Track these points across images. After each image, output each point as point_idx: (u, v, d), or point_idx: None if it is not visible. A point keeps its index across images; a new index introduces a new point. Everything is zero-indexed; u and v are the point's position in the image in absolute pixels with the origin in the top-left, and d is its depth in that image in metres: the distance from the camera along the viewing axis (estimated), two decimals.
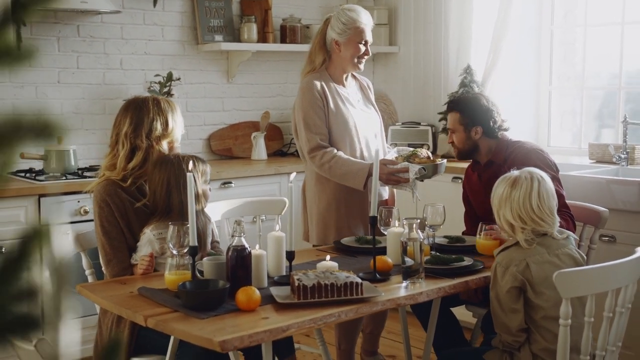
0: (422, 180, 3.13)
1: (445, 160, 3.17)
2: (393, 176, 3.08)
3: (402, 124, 5.03)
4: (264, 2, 4.89)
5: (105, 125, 4.20)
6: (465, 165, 3.41)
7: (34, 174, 3.86)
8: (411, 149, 3.24)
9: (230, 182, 4.25)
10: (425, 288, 2.41)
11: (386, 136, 4.02)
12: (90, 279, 2.77)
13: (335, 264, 2.45)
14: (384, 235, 2.83)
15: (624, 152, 4.09)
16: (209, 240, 2.73)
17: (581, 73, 4.71)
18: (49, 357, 1.59)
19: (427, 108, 5.10)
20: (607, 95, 4.68)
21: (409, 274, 2.42)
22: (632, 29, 4.42)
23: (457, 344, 3.08)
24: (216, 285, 2.25)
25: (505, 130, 3.11)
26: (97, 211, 2.62)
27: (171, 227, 2.36)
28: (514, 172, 2.49)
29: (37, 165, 3.96)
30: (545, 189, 2.43)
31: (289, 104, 4.79)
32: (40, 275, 0.63)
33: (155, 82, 4.45)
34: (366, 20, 3.24)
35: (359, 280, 2.25)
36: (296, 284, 2.20)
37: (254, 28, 4.78)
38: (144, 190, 2.69)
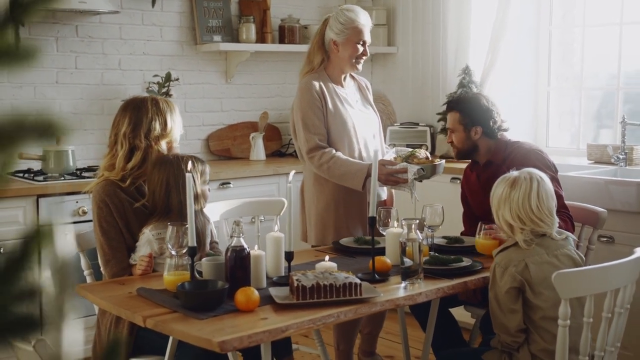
0: (421, 181, 3.13)
1: (443, 161, 3.17)
2: (392, 177, 3.08)
3: (401, 124, 5.03)
4: (263, 3, 4.89)
5: (104, 126, 4.19)
6: (463, 165, 3.41)
7: (32, 175, 3.85)
8: (409, 149, 3.24)
9: (229, 183, 4.24)
10: (424, 289, 2.41)
11: (384, 137, 4.02)
12: (88, 279, 2.77)
13: (334, 265, 2.45)
14: (382, 235, 2.82)
15: (623, 153, 4.09)
16: (208, 240, 2.73)
17: (579, 73, 4.71)
18: (48, 358, 1.58)
19: (425, 108, 5.10)
20: (605, 96, 4.69)
21: (407, 274, 2.42)
22: (630, 29, 4.43)
23: (456, 344, 3.08)
24: (215, 285, 2.25)
25: (505, 130, 3.11)
26: (96, 211, 2.62)
27: (170, 228, 2.36)
28: (514, 173, 2.49)
29: (36, 165, 3.96)
30: (545, 189, 2.43)
31: (288, 105, 4.79)
32: (42, 276, 0.62)
33: (154, 83, 4.45)
34: (365, 20, 3.24)
35: (358, 281, 2.25)
36: (295, 285, 2.20)
37: (252, 28, 4.77)
38: (142, 191, 2.69)
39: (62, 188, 3.66)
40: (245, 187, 4.28)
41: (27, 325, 0.61)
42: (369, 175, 3.01)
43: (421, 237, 2.45)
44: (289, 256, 2.39)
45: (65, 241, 2.75)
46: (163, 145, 2.71)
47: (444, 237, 2.99)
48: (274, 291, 2.28)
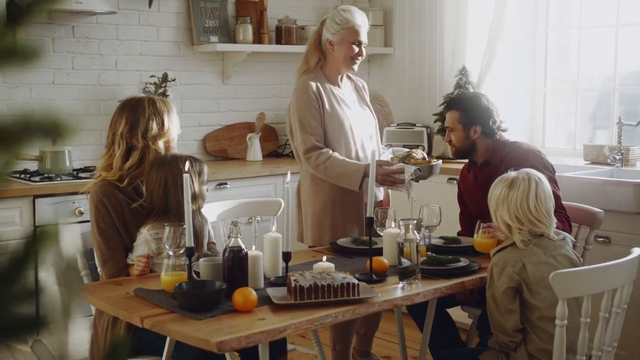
0: (418, 181, 3.13)
1: (440, 161, 3.17)
2: (388, 177, 3.08)
3: (397, 125, 5.03)
4: (260, 3, 4.89)
5: (100, 126, 4.19)
6: (460, 166, 3.41)
7: (28, 175, 3.84)
8: (406, 150, 3.23)
9: (226, 183, 4.24)
10: (422, 289, 2.41)
11: (381, 137, 4.02)
12: (85, 279, 2.77)
13: (331, 265, 2.45)
14: (379, 236, 2.83)
15: (619, 153, 4.11)
16: (206, 241, 2.73)
17: (576, 75, 4.72)
18: (47, 358, 1.58)
19: (422, 109, 5.10)
20: (601, 97, 4.70)
21: (405, 274, 2.42)
22: (626, 31, 4.44)
23: (453, 344, 3.08)
24: (213, 286, 2.24)
25: (504, 130, 3.11)
26: (94, 211, 2.62)
27: (167, 228, 2.35)
28: (512, 173, 2.49)
29: (32, 166, 3.95)
30: (543, 190, 2.44)
31: (284, 105, 4.79)
32: (42, 276, 0.62)
33: (151, 83, 4.44)
34: (361, 21, 3.24)
35: (356, 281, 2.26)
36: (293, 285, 2.20)
37: (249, 29, 4.77)
38: (140, 191, 2.69)
39: (59, 189, 3.65)
40: (242, 188, 4.28)
41: (26, 326, 0.61)
42: (365, 175, 3.01)
43: (418, 238, 2.45)
44: (287, 256, 2.38)
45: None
46: (160, 145, 2.71)
47: (441, 238, 2.99)
48: (271, 291, 2.28)
